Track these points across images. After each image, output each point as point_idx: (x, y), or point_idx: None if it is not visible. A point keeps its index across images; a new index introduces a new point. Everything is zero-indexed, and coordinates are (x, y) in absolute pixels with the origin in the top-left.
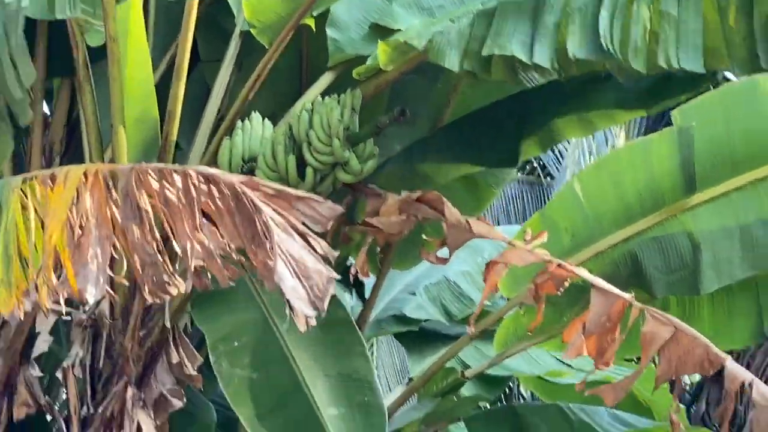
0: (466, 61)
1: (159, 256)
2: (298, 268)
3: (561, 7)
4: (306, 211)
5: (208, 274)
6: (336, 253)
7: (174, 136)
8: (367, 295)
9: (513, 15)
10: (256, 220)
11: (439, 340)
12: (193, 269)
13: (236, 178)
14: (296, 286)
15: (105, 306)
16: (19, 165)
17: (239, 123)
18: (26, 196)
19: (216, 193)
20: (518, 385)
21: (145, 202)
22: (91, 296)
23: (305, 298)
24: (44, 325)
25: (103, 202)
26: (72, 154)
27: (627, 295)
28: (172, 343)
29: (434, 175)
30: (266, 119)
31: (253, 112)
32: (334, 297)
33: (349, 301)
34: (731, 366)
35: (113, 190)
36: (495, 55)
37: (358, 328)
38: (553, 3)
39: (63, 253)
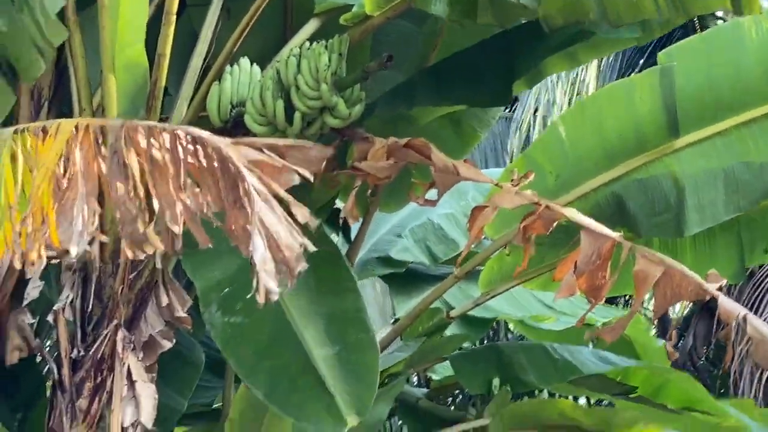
0: (453, 7)
1: (140, 214)
2: (272, 241)
3: None
4: (298, 157)
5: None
6: (317, 222)
7: (163, 82)
8: (353, 237)
9: None
10: (239, 186)
11: (424, 281)
12: (173, 229)
13: (224, 142)
14: (267, 258)
15: (95, 250)
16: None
17: (228, 68)
18: (17, 147)
19: (202, 155)
20: (506, 327)
21: (132, 160)
22: (73, 249)
23: (272, 272)
24: (35, 271)
25: (91, 157)
26: (60, 99)
27: (615, 234)
28: (161, 286)
29: (421, 117)
30: (254, 64)
31: (241, 58)
32: (324, 235)
33: (336, 243)
34: (724, 299)
35: (102, 146)
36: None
37: (347, 263)
38: None
39: (48, 205)
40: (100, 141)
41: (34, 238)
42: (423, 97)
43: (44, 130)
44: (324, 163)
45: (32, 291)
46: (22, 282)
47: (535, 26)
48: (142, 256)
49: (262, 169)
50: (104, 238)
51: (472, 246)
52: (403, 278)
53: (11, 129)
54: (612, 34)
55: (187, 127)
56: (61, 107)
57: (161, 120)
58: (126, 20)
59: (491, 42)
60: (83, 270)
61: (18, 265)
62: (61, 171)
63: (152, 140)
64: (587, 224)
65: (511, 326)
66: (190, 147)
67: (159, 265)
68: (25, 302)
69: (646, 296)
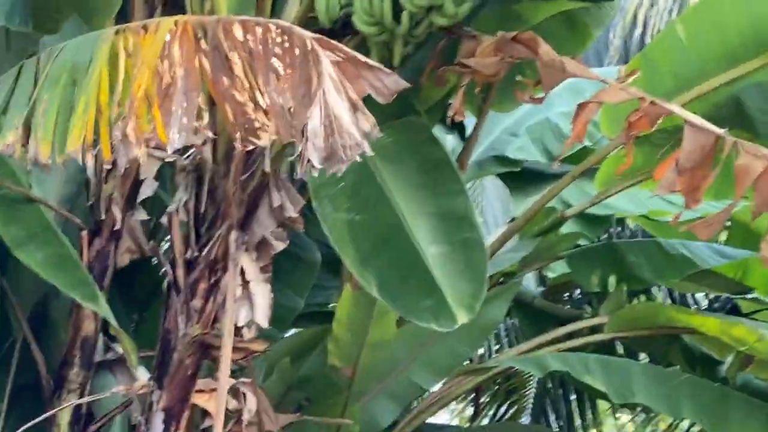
0: None
1: (250, 103)
2: (330, 120)
3: None
4: (372, 81)
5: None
6: (377, 132)
7: None
8: (468, 134)
9: None
10: (315, 72)
11: (541, 180)
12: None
13: (310, 35)
14: (318, 132)
15: (207, 151)
16: (123, 15)
17: None
18: (119, 46)
19: (288, 46)
20: (622, 226)
21: (232, 54)
22: (176, 144)
23: (320, 147)
24: (149, 171)
25: (191, 53)
26: (173, 2)
27: (720, 130)
28: (273, 187)
29: (531, 15)
30: None
31: None
32: (434, 137)
33: (451, 142)
34: None
35: (201, 41)
36: None
37: (457, 167)
38: None
39: (152, 101)
40: (199, 36)
41: (138, 135)
42: None
43: (145, 28)
44: (395, 95)
45: (146, 189)
46: (137, 185)
47: None
48: (259, 143)
49: (341, 69)
50: (210, 134)
51: (590, 142)
52: (520, 177)
53: (114, 28)
54: None
55: (277, 21)
56: (174, 10)
57: None
58: None
59: None
60: (196, 171)
61: (122, 163)
62: (163, 67)
63: (248, 34)
64: (691, 119)
65: (629, 223)
66: (279, 39)
67: (267, 169)
68: (139, 199)
69: None
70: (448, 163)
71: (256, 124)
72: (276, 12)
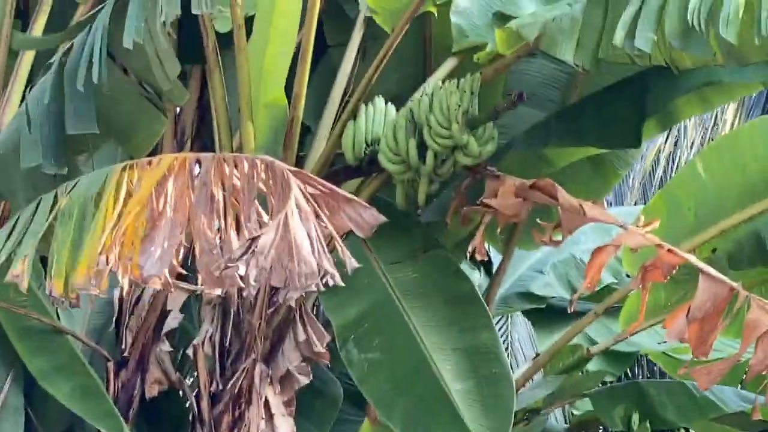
0: (579, 52)
1: (218, 245)
2: (285, 243)
3: None
4: (351, 215)
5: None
6: (355, 265)
7: (299, 120)
8: (494, 270)
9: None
10: (284, 198)
11: (566, 316)
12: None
13: (287, 168)
14: (267, 250)
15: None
16: (154, 148)
17: (362, 107)
18: (124, 180)
19: (271, 182)
20: (646, 358)
21: (218, 191)
22: (151, 278)
23: (266, 269)
24: (175, 303)
25: (184, 188)
26: (203, 137)
27: (734, 283)
28: (299, 321)
29: (556, 158)
30: (389, 103)
31: (376, 96)
32: (460, 271)
33: (477, 279)
34: None
35: (195, 178)
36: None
37: (483, 301)
38: None
39: (135, 233)
40: (194, 174)
41: (121, 265)
42: (556, 136)
43: (150, 163)
44: (374, 229)
45: (171, 321)
46: (163, 316)
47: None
48: (218, 292)
49: (318, 202)
50: (184, 273)
51: (615, 279)
52: (545, 314)
53: (123, 164)
54: (738, 75)
55: (263, 157)
56: (203, 145)
57: (299, 157)
58: (270, 61)
59: (624, 83)
60: (222, 305)
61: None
62: (155, 201)
63: (235, 170)
64: (706, 270)
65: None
66: (263, 174)
67: (293, 304)
68: (164, 331)
69: None
70: (474, 297)
71: (219, 266)
72: (304, 147)
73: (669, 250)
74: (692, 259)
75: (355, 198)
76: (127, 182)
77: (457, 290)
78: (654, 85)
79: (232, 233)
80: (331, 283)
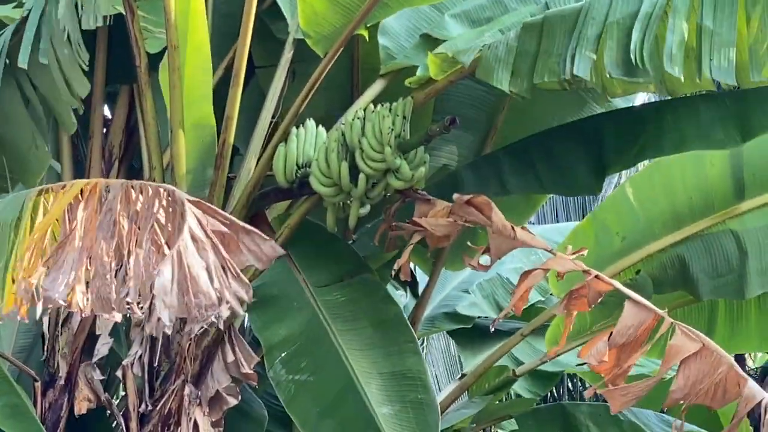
0: (515, 80)
1: (110, 273)
2: (183, 277)
3: (602, 20)
4: (250, 246)
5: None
6: (251, 297)
7: (231, 141)
8: (421, 291)
9: (559, 29)
10: (180, 229)
11: (492, 336)
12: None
13: (187, 198)
14: (168, 289)
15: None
16: (80, 169)
17: (294, 129)
18: (40, 204)
19: (171, 210)
20: (570, 378)
21: (122, 217)
22: (57, 301)
23: (174, 307)
24: (104, 325)
25: (93, 214)
26: (131, 157)
27: (660, 311)
28: (228, 343)
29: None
30: (320, 126)
31: (307, 120)
32: (388, 295)
33: (403, 300)
34: (750, 388)
35: (104, 204)
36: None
37: (410, 326)
38: (595, 15)
39: (41, 258)
40: (104, 200)
41: (26, 289)
42: (515, 184)
43: (63, 188)
44: (272, 261)
45: (102, 348)
46: (92, 336)
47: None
48: (107, 317)
49: (219, 235)
50: (83, 295)
51: (542, 298)
52: (470, 333)
53: (40, 187)
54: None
55: (167, 186)
56: (132, 165)
57: (229, 179)
58: (192, 80)
59: (578, 128)
60: None
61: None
62: (67, 226)
63: (140, 196)
64: (633, 297)
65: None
66: (165, 202)
67: (222, 326)
68: (95, 359)
69: None
70: (401, 321)
71: (109, 294)
72: (233, 168)
73: (596, 277)
74: (619, 286)
75: (254, 230)
76: (43, 206)
77: (385, 314)
78: (610, 136)
79: (131, 260)
80: (238, 310)
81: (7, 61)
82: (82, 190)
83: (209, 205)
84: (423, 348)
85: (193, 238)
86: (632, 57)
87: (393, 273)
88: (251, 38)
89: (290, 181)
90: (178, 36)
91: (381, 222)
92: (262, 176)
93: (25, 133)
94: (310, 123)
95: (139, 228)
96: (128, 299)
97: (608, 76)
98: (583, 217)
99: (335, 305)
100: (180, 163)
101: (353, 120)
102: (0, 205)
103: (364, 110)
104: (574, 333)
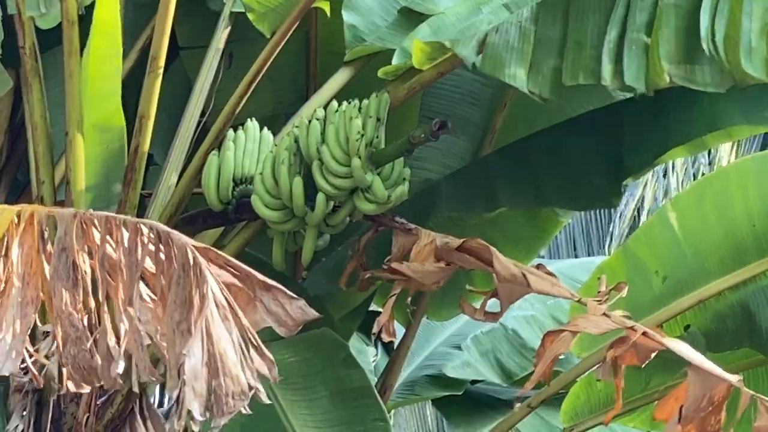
0: (535, 77)
1: (87, 333)
2: (213, 360)
3: (652, 1)
4: (270, 307)
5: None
6: (276, 375)
7: (146, 147)
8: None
9: (592, 9)
10: (195, 296)
11: (491, 407)
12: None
13: (192, 243)
14: (199, 373)
15: (53, 366)
16: None
17: (230, 133)
18: None
19: (162, 257)
20: None
21: (83, 261)
22: (4, 370)
23: (203, 396)
24: None
25: (34, 255)
26: (15, 169)
27: (733, 378)
28: (138, 415)
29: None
30: (264, 128)
31: (249, 120)
32: (350, 357)
33: (372, 357)
34: None
35: (49, 242)
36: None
37: (379, 397)
38: None
39: None
40: (46, 235)
41: None
42: (508, 198)
43: None
44: (299, 328)
45: None
46: None
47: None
48: (87, 389)
49: (231, 291)
50: (44, 360)
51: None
52: (463, 404)
53: None
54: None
55: (152, 222)
56: (16, 177)
57: (143, 197)
58: (96, 67)
59: (589, 123)
60: (37, 392)
61: None
62: None
63: (108, 236)
64: (695, 360)
65: None
66: (152, 246)
67: (135, 389)
68: None
69: None
70: (368, 391)
71: (92, 360)
72: (149, 185)
73: (644, 333)
74: (676, 345)
75: (277, 285)
76: None
77: (348, 382)
78: (631, 131)
79: (106, 318)
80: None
81: None
82: (10, 223)
83: (217, 251)
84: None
85: (216, 304)
86: (704, 46)
87: (373, 335)
88: (175, 11)
89: (225, 201)
90: (78, 6)
91: (341, 254)
92: (188, 195)
93: None
94: (253, 124)
95: (110, 277)
96: (117, 371)
97: (666, 77)
98: (608, 251)
99: (284, 368)
100: (77, 177)
101: (310, 121)
102: None
103: (325, 108)
104: (593, 407)
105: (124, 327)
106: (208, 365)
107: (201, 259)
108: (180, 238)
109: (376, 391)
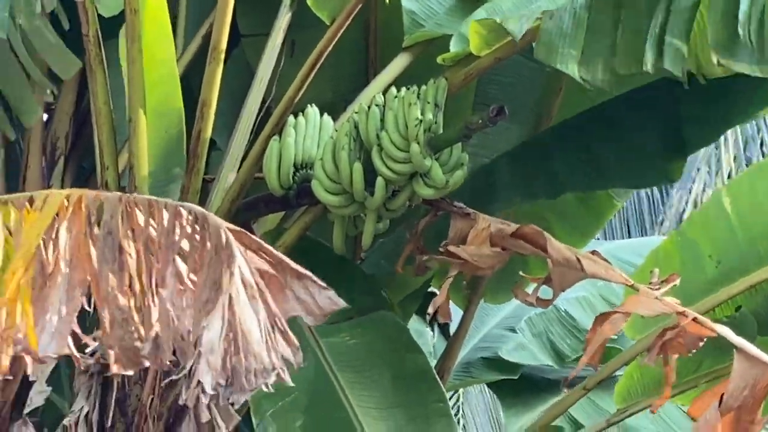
0: (586, 65)
1: (134, 314)
2: (233, 335)
3: None
4: (300, 295)
5: None
6: (300, 360)
7: (208, 133)
8: (453, 330)
9: None
10: (224, 276)
11: (544, 389)
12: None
13: (226, 226)
14: (216, 347)
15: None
16: (13, 171)
17: (291, 119)
18: None
19: (198, 239)
20: None
21: (128, 244)
22: (48, 353)
23: (217, 366)
24: (40, 372)
25: (82, 238)
26: (81, 155)
27: None
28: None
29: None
30: (325, 114)
31: (309, 106)
32: (411, 341)
33: (430, 340)
34: None
35: (95, 225)
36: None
37: (439, 380)
38: None
39: (25, 296)
40: (93, 219)
41: (5, 336)
42: (569, 182)
43: (30, 201)
44: (326, 317)
45: (36, 397)
46: (25, 386)
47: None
48: (131, 372)
49: (264, 279)
50: (92, 342)
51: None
52: (517, 385)
53: None
54: None
55: (191, 205)
56: (81, 164)
57: (206, 182)
58: (150, 53)
59: (648, 99)
60: (102, 374)
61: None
62: (45, 255)
63: (152, 219)
64: (743, 347)
65: None
66: (189, 228)
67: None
68: (28, 410)
69: None
70: (428, 374)
71: (137, 342)
72: (211, 169)
73: (695, 320)
74: (726, 331)
75: (308, 274)
76: (4, 225)
77: (407, 363)
78: (691, 103)
79: (153, 301)
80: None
81: None
82: (59, 207)
83: (251, 236)
84: (456, 405)
85: (243, 283)
86: (740, 33)
87: (428, 316)
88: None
89: (286, 186)
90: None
91: (400, 237)
92: (249, 180)
93: None
94: (313, 111)
95: (157, 260)
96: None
97: (715, 61)
98: (661, 232)
99: (343, 350)
100: (141, 162)
101: (369, 107)
102: None
103: (384, 95)
104: (647, 388)
105: (169, 310)
106: (227, 340)
107: (233, 241)
108: (215, 220)
109: (436, 374)
